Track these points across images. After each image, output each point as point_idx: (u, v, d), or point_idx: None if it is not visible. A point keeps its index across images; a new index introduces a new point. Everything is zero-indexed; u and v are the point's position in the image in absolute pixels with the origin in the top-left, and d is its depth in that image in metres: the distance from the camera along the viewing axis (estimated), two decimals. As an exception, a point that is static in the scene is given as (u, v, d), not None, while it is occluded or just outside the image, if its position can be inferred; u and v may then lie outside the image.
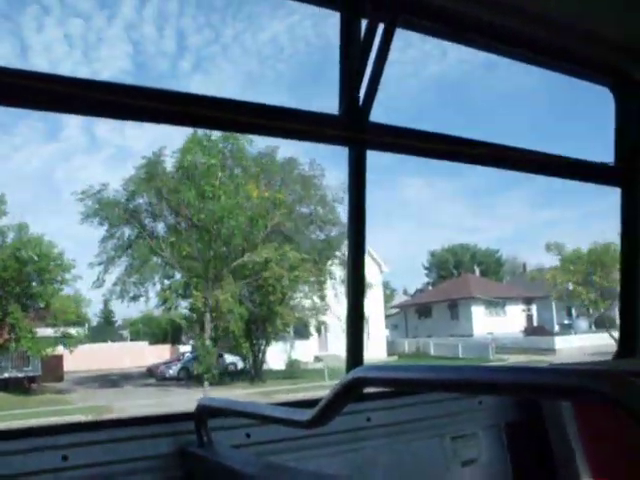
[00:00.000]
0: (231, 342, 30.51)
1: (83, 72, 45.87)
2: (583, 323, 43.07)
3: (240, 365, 33.74)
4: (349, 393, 1.38)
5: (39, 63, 36.98)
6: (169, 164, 29.45)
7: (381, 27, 2.32)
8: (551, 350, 36.14)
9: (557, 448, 2.61)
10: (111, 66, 40.49)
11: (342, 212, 33.55)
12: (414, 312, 53.28)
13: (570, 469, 2.54)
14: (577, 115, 60.51)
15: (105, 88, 1.93)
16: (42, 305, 28.38)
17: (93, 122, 50.70)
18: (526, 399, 2.72)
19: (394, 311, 55.49)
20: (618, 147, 3.10)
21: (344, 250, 32.28)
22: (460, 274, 59.19)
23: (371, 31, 2.30)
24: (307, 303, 32.05)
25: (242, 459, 1.92)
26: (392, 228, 71.20)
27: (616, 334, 28.39)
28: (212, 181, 27.07)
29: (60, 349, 29.31)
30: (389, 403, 2.48)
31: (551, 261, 37.26)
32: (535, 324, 48.27)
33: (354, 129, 2.39)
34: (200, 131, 26.66)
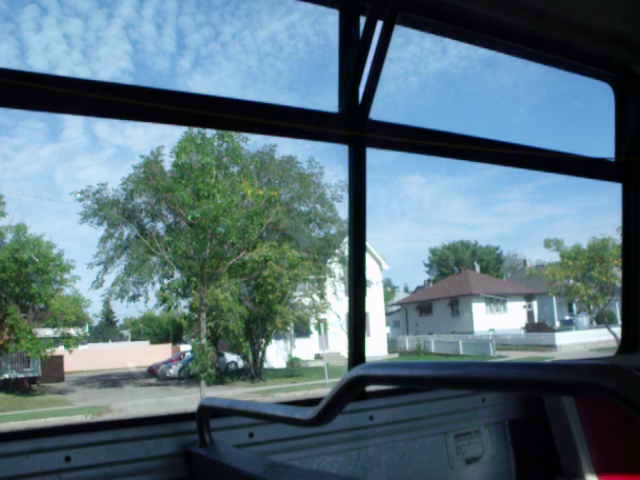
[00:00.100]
0: (231, 341, 30.51)
1: (82, 72, 45.83)
2: (584, 319, 43.07)
3: (240, 364, 33.75)
4: (351, 391, 1.38)
5: (38, 64, 36.94)
6: (168, 163, 29.46)
7: (380, 25, 2.32)
8: (552, 346, 36.15)
9: (560, 445, 2.61)
10: (111, 66, 40.46)
11: (341, 210, 33.69)
12: (415, 309, 53.29)
13: (574, 465, 2.54)
14: (578, 111, 60.54)
15: (105, 88, 1.93)
16: (41, 306, 28.38)
17: (93, 122, 50.63)
18: (529, 396, 2.71)
19: (395, 308, 55.52)
20: (618, 142, 3.10)
21: (343, 248, 32.34)
22: (460, 271, 59.20)
23: (370, 29, 2.30)
24: (307, 301, 32.04)
25: (245, 459, 1.91)
26: (393, 226, 71.30)
27: (615, 330, 28.45)
28: (207, 179, 27.01)
29: (60, 350, 29.30)
30: (391, 401, 2.48)
31: (551, 257, 37.24)
32: (536, 320, 48.28)
33: (354, 127, 2.39)
34: (195, 129, 26.61)
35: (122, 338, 55.20)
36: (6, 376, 28.64)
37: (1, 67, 1.75)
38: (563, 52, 2.85)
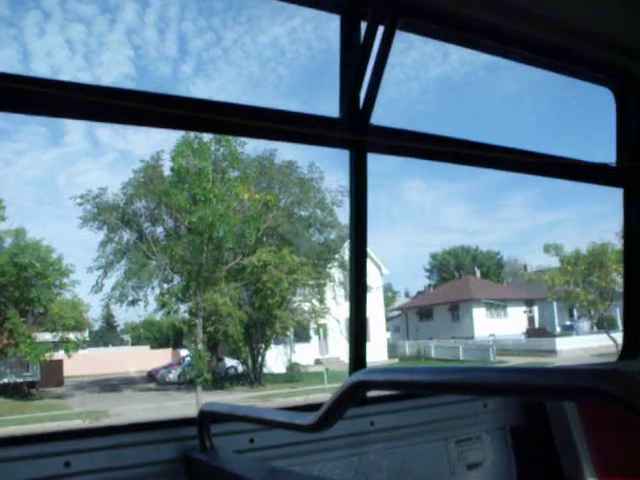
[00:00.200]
0: (231, 346, 30.47)
1: (85, 77, 45.96)
2: (585, 324, 42.99)
3: (240, 369, 33.71)
4: (352, 396, 1.37)
5: (41, 69, 37.01)
6: (167, 168, 29.46)
7: (381, 30, 2.32)
8: (552, 352, 36.08)
9: (562, 450, 2.59)
10: (113, 71, 40.49)
11: (340, 215, 33.69)
12: (415, 314, 53.22)
13: (576, 471, 2.53)
14: (580, 116, 60.66)
15: (106, 93, 1.93)
16: (41, 310, 28.35)
17: (95, 127, 50.70)
18: (530, 401, 2.70)
19: (395, 313, 55.46)
20: (620, 148, 3.10)
21: (343, 253, 32.34)
22: (461, 276, 59.16)
23: (371, 34, 2.30)
24: (306, 306, 32.01)
25: (245, 464, 1.90)
26: (394, 231, 71.28)
27: (615, 335, 28.41)
28: (204, 184, 26.99)
29: (60, 354, 29.27)
30: (392, 407, 2.47)
31: (551, 262, 37.17)
32: (537, 326, 48.21)
33: (355, 132, 2.39)
34: (192, 134, 26.59)
35: (122, 343, 55.11)
36: (5, 380, 28.61)
37: (2, 71, 1.76)
38: (564, 57, 2.86)
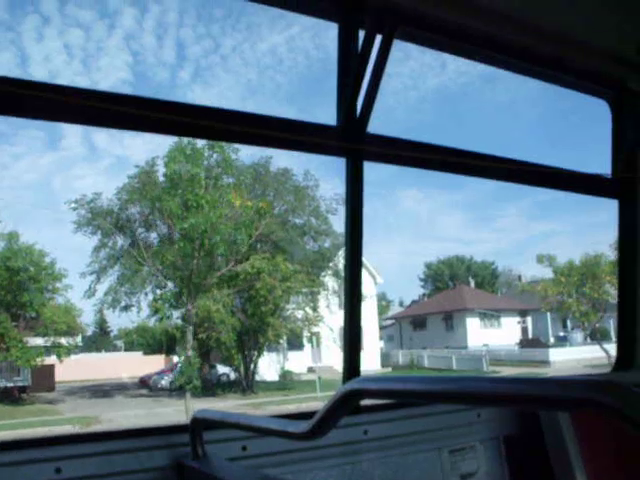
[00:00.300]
0: (223, 353, 30.35)
1: (83, 82, 45.86)
2: (578, 335, 43.06)
3: (233, 376, 33.57)
4: (346, 405, 1.37)
5: (39, 73, 36.97)
6: (162, 173, 29.41)
7: (379, 39, 2.33)
8: (545, 362, 36.11)
9: (556, 460, 2.59)
10: (111, 76, 40.48)
11: (335, 223, 33.70)
12: (409, 323, 53.20)
13: None
14: (575, 127, 61.03)
15: (103, 97, 1.93)
16: (32, 314, 28.19)
17: (92, 132, 50.59)
18: (524, 412, 2.70)
19: (389, 322, 55.41)
20: (615, 159, 3.11)
21: (337, 261, 32.33)
22: (455, 286, 59.20)
23: (369, 43, 2.31)
24: (300, 314, 31.95)
25: (237, 472, 1.89)
26: (389, 239, 71.28)
27: (607, 346, 28.46)
28: (196, 190, 26.94)
29: (52, 359, 29.09)
30: (386, 416, 2.46)
31: (545, 273, 37.26)
32: (530, 336, 48.27)
33: (352, 140, 2.39)
34: (184, 139, 26.57)
35: (116, 348, 54.79)
36: (-5, 385, 28.42)
37: (0, 75, 1.75)
38: (560, 68, 2.87)
